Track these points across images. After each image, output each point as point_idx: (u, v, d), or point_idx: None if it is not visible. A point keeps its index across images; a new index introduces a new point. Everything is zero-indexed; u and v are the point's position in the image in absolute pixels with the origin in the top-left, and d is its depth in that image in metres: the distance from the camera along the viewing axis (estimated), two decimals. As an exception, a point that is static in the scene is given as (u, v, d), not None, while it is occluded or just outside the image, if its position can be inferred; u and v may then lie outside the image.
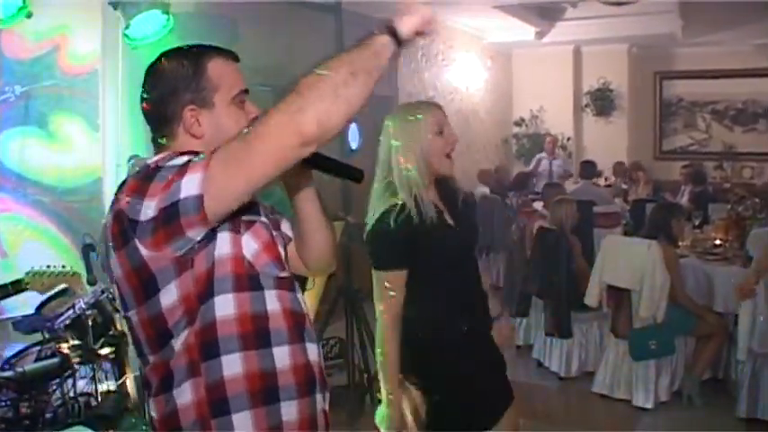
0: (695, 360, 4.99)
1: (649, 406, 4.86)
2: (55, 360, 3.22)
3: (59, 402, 3.26)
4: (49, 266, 3.20)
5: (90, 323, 3.31)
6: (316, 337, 1.68)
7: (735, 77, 10.92)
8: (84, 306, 3.30)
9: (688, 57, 11.36)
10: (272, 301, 1.58)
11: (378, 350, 2.48)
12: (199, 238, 1.47)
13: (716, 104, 11.23)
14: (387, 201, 2.46)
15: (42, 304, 3.52)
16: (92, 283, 3.46)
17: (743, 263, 5.02)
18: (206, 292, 1.51)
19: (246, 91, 1.66)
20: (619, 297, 5.12)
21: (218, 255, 1.51)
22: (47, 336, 3.41)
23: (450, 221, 2.55)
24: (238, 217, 1.54)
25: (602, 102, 11.55)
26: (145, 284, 1.50)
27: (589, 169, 9.19)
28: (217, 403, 1.51)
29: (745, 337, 4.54)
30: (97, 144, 4.85)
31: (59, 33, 4.58)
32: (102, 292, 3.50)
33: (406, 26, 1.60)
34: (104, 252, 1.57)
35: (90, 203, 4.74)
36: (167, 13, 3.35)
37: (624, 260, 5.03)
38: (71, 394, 3.30)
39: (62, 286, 3.17)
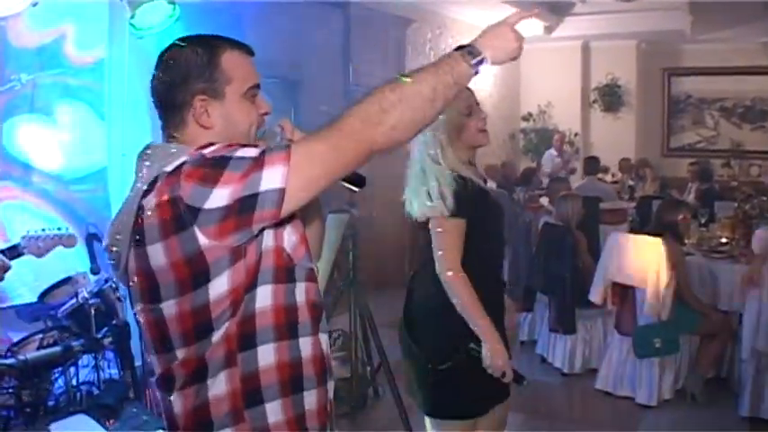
0: (699, 358, 4.97)
1: (652, 404, 4.84)
2: (57, 348, 3.22)
3: (61, 391, 3.26)
4: (44, 229, 3.17)
5: (93, 312, 3.31)
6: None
7: (743, 75, 10.86)
8: (86, 295, 3.31)
9: (697, 53, 11.30)
10: (301, 293, 1.60)
11: (455, 300, 2.53)
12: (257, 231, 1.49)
13: (724, 102, 11.16)
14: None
15: (45, 293, 3.53)
16: (95, 272, 3.47)
17: (748, 261, 4.99)
18: (252, 282, 1.52)
19: (258, 86, 1.65)
20: (623, 294, 5.11)
21: (264, 246, 1.53)
22: (49, 324, 3.42)
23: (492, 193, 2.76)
24: None
25: (610, 98, 11.50)
26: (195, 274, 1.47)
27: (593, 165, 9.16)
28: (251, 393, 1.53)
29: (749, 336, 4.53)
30: (103, 133, 4.85)
31: (66, 22, 4.58)
32: (106, 281, 3.51)
33: (500, 56, 1.69)
34: (125, 243, 1.54)
35: (95, 192, 4.75)
36: (173, 2, 3.34)
37: (629, 257, 5.01)
38: (73, 383, 3.31)
39: (66, 275, 3.16)
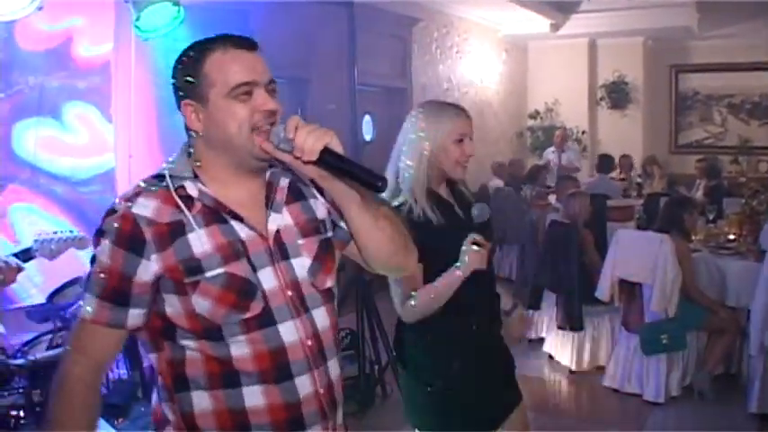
0: (707, 355, 4.96)
1: (660, 401, 4.83)
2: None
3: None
4: (56, 232, 3.19)
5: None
6: (319, 364, 1.62)
7: (751, 71, 10.80)
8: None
9: (704, 50, 11.25)
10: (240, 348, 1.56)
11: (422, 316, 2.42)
12: None
13: (732, 98, 11.11)
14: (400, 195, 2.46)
15: (54, 293, 3.55)
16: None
17: (756, 257, 4.98)
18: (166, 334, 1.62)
19: (251, 83, 1.55)
20: (630, 291, 5.11)
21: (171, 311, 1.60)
22: (58, 324, 3.44)
23: (462, 217, 2.53)
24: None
25: (617, 95, 11.47)
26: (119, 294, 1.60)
27: (607, 163, 9.15)
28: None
29: (757, 332, 4.51)
30: (110, 135, 4.88)
31: (73, 24, 4.61)
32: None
33: None
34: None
35: (103, 194, 4.77)
36: (177, 4, 3.36)
37: (636, 254, 5.00)
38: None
39: (74, 276, 3.18)
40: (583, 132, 11.45)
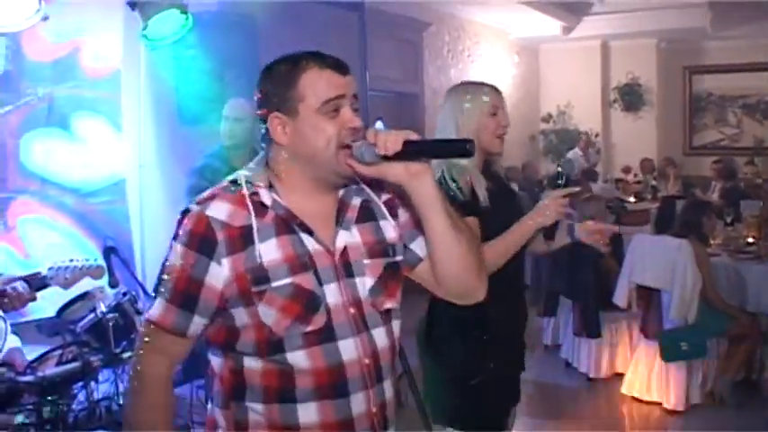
0: (728, 361, 4.86)
1: (681, 408, 4.75)
2: (76, 364, 3.20)
3: (81, 407, 3.24)
4: (72, 260, 3.15)
5: (111, 326, 3.29)
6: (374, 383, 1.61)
7: (765, 71, 10.69)
8: (104, 309, 3.28)
9: (717, 51, 11.16)
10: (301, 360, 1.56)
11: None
12: None
13: (747, 98, 11.01)
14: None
15: (63, 308, 3.51)
16: (113, 285, 3.44)
17: (777, 261, 4.89)
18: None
19: (342, 97, 1.57)
20: (649, 297, 5.02)
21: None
22: (68, 339, 3.40)
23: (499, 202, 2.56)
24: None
25: (630, 97, 11.40)
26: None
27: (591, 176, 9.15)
28: None
29: (779, 338, 4.43)
30: (120, 145, 4.84)
31: (80, 34, 4.58)
32: (124, 294, 3.48)
33: None
34: None
35: (113, 204, 4.74)
36: (185, 12, 3.32)
37: (654, 259, 4.93)
38: (93, 398, 3.28)
39: (83, 290, 3.13)
40: (596, 135, 11.37)
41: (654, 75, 11.31)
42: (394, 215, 1.72)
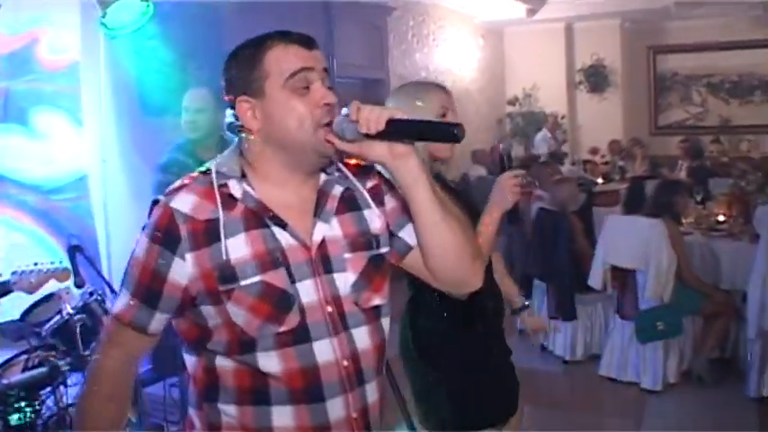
0: (703, 340, 4.88)
1: (658, 388, 4.76)
2: (43, 369, 3.08)
3: (50, 413, 3.12)
4: (36, 264, 3.05)
5: (78, 328, 3.17)
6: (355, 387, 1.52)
7: (729, 50, 10.77)
8: (71, 311, 3.16)
9: (681, 30, 11.21)
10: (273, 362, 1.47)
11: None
12: None
13: (711, 78, 11.09)
14: None
15: (28, 310, 3.38)
16: (80, 285, 3.31)
17: (750, 239, 4.91)
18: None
19: (308, 70, 1.47)
20: (624, 278, 5.01)
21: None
22: (34, 344, 3.27)
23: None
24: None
25: (595, 78, 11.42)
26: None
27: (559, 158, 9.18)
28: None
29: (754, 316, 4.44)
30: (81, 140, 4.69)
31: (37, 26, 4.41)
32: (91, 294, 3.36)
33: None
34: None
35: (77, 201, 4.60)
36: (146, 0, 3.20)
37: (628, 240, 4.92)
38: (62, 403, 3.17)
39: (48, 292, 3.01)
40: (562, 117, 11.39)
41: (618, 56, 11.33)
42: (380, 203, 1.61)
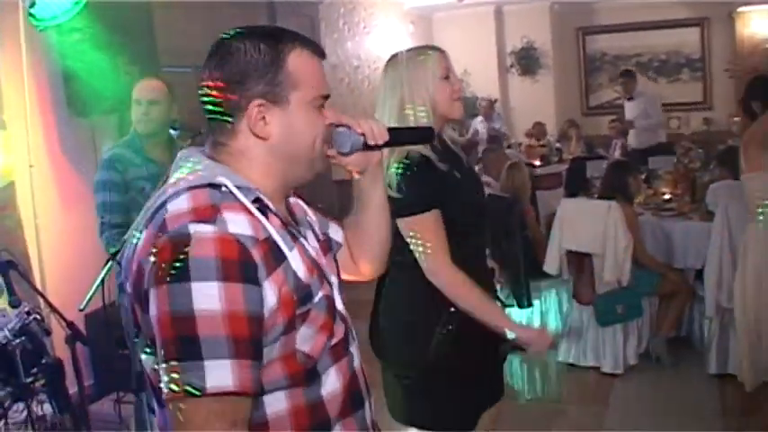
0: (661, 319, 4.88)
1: (619, 371, 4.74)
2: (-20, 401, 2.80)
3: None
4: None
5: (18, 353, 2.88)
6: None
7: (657, 29, 10.90)
8: (8, 335, 2.87)
9: (609, 11, 11.29)
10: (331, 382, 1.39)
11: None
12: None
13: (640, 57, 11.19)
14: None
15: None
16: (15, 305, 3.01)
17: (701, 217, 4.91)
18: None
19: (327, 96, 1.44)
20: (579, 262, 4.96)
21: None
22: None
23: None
24: None
25: (526, 61, 11.41)
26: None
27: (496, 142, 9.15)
28: None
29: (711, 294, 4.44)
30: (5, 143, 4.34)
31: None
32: (28, 313, 3.07)
33: None
34: None
35: (3, 212, 4.24)
36: (77, -11, 2.93)
37: (583, 224, 4.86)
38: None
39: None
40: (495, 101, 11.36)
41: (548, 38, 11.34)
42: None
